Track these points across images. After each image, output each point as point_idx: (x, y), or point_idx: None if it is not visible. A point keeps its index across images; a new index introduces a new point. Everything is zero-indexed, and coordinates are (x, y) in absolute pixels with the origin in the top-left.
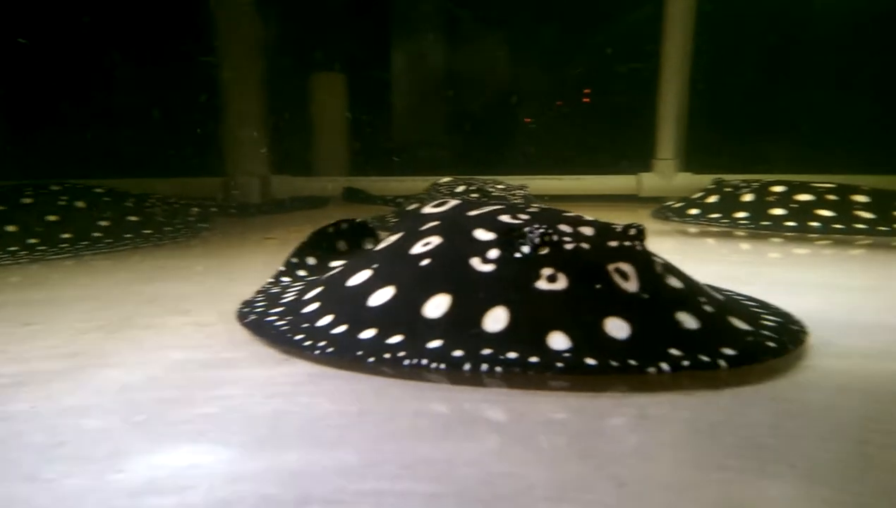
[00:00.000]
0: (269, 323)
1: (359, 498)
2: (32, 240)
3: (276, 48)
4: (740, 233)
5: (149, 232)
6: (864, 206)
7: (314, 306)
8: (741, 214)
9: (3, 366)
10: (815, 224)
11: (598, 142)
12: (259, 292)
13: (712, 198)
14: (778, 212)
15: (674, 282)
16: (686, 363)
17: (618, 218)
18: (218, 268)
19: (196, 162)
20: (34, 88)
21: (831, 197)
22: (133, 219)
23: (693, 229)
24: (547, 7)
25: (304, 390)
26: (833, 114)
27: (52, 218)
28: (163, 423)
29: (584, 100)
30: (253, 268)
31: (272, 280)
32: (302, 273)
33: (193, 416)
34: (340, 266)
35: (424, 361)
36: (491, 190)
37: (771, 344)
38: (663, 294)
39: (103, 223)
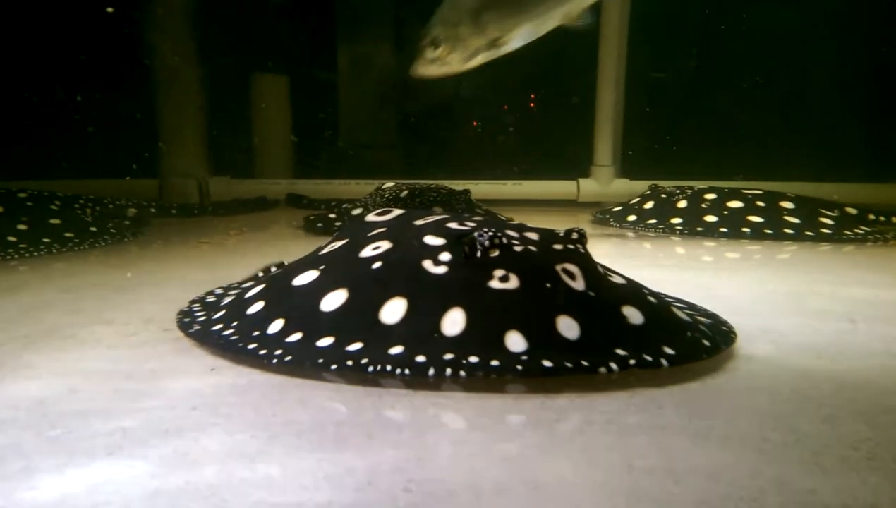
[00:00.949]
0: (217, 331)
1: None
2: None
3: (217, 47)
4: (675, 237)
5: (70, 235)
6: (791, 212)
7: (259, 306)
8: (676, 220)
9: None
10: (746, 229)
11: (542, 148)
12: (194, 301)
13: (649, 204)
14: (711, 218)
15: (617, 280)
16: (632, 362)
17: (560, 223)
18: (148, 274)
19: (132, 163)
20: None
21: (760, 203)
22: (55, 222)
23: (631, 234)
24: None
25: (228, 401)
26: (767, 120)
27: None
28: (79, 438)
29: (530, 105)
30: (184, 275)
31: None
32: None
33: (111, 430)
34: (279, 271)
35: (388, 367)
36: (434, 195)
37: (706, 342)
38: (609, 291)
39: (21, 227)
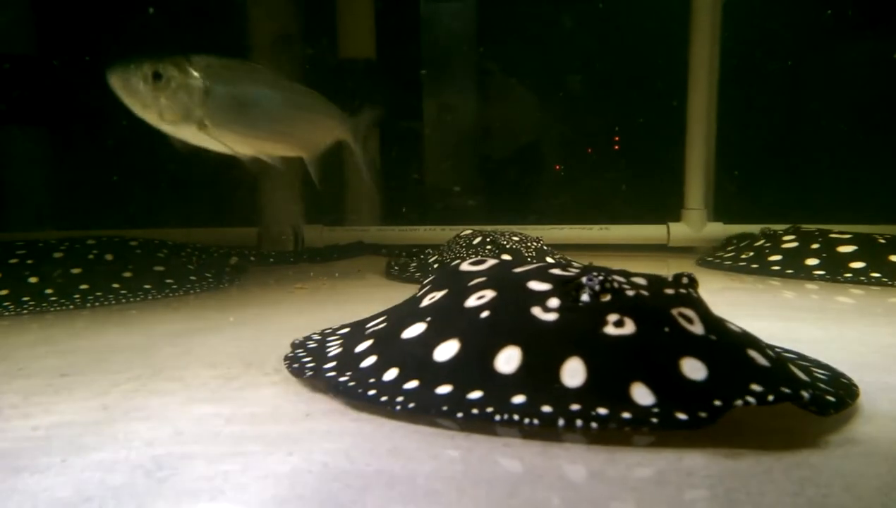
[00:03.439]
0: (332, 378)
1: None
2: (48, 291)
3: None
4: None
5: (170, 281)
6: None
7: (372, 359)
8: (813, 261)
9: (37, 418)
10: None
11: (628, 192)
12: (296, 346)
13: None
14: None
15: (734, 327)
16: (771, 397)
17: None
18: (249, 319)
19: (230, 212)
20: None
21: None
22: (159, 269)
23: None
24: (572, 57)
25: (323, 447)
26: (859, 161)
27: (76, 270)
28: (184, 480)
29: (615, 147)
30: (282, 319)
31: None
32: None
33: (214, 473)
34: (382, 323)
35: (515, 417)
36: (505, 243)
37: (830, 398)
38: (730, 336)
39: (126, 274)
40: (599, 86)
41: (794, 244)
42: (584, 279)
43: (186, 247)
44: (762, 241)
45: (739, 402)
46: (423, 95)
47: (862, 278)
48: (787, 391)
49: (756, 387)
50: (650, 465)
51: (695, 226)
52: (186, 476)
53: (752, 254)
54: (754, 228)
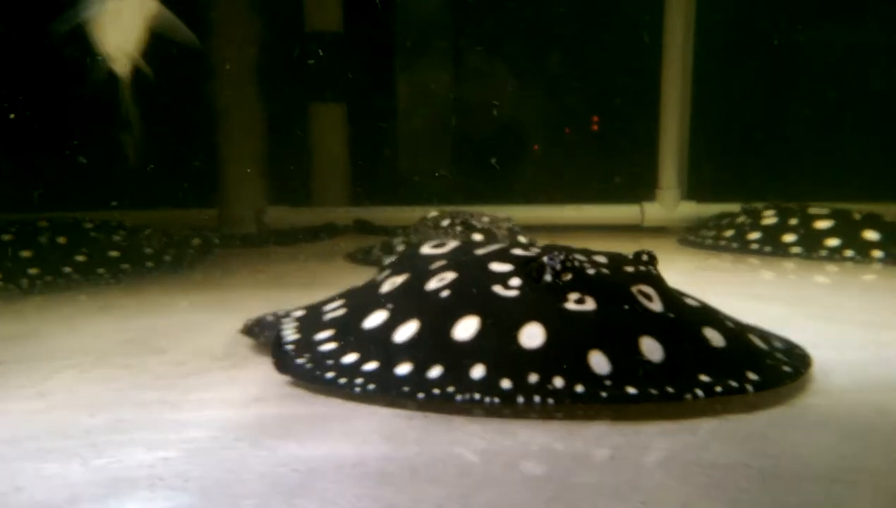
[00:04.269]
0: (291, 362)
1: None
2: None
3: (276, 78)
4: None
5: (126, 267)
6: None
7: (332, 345)
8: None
9: None
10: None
11: (603, 172)
12: (251, 327)
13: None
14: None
15: (692, 302)
16: (718, 389)
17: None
18: (205, 304)
19: (191, 193)
20: (28, 114)
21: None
22: (114, 254)
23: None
24: (550, 36)
25: (272, 432)
26: (834, 141)
27: (25, 253)
28: (122, 468)
29: (593, 128)
30: (239, 304)
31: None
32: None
33: (154, 461)
34: (339, 308)
35: (476, 396)
36: (476, 223)
37: (787, 368)
38: (687, 313)
39: (80, 258)
40: (576, 66)
41: (774, 220)
42: (545, 258)
43: (146, 228)
44: (743, 218)
45: (689, 396)
46: (396, 71)
47: (837, 255)
48: (734, 384)
49: (705, 378)
50: (607, 440)
51: (668, 205)
52: (125, 463)
53: (732, 232)
54: (728, 207)
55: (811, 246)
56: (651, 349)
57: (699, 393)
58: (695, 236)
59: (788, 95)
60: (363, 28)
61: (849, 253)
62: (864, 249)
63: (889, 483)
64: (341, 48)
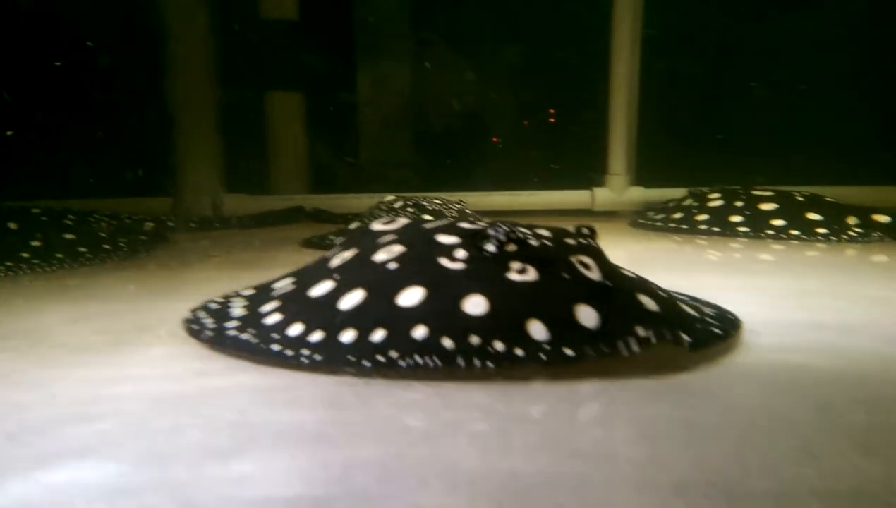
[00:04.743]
0: (233, 336)
1: (244, 505)
2: None
3: (233, 66)
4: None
5: (83, 250)
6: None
7: (277, 317)
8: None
9: None
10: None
11: (560, 160)
12: (197, 309)
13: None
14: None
15: (629, 274)
16: (653, 340)
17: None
18: (150, 287)
19: (145, 181)
20: None
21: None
22: (69, 237)
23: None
24: (507, 26)
25: (212, 403)
26: (785, 125)
27: None
28: (53, 441)
29: (550, 120)
30: (188, 288)
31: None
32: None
33: (87, 433)
34: (288, 285)
35: (418, 359)
36: (426, 204)
37: (717, 331)
38: (623, 281)
39: (34, 243)
40: (531, 56)
41: (720, 202)
42: (490, 230)
43: (94, 213)
44: (689, 201)
45: (623, 349)
46: (354, 60)
47: (783, 235)
48: (668, 334)
49: (641, 331)
50: (543, 398)
51: (617, 190)
52: (55, 437)
53: (681, 214)
54: (674, 193)
55: (758, 226)
56: (588, 315)
57: (633, 344)
58: (645, 219)
59: (733, 86)
60: (319, 16)
61: (794, 232)
62: (808, 228)
63: (806, 430)
64: (297, 36)
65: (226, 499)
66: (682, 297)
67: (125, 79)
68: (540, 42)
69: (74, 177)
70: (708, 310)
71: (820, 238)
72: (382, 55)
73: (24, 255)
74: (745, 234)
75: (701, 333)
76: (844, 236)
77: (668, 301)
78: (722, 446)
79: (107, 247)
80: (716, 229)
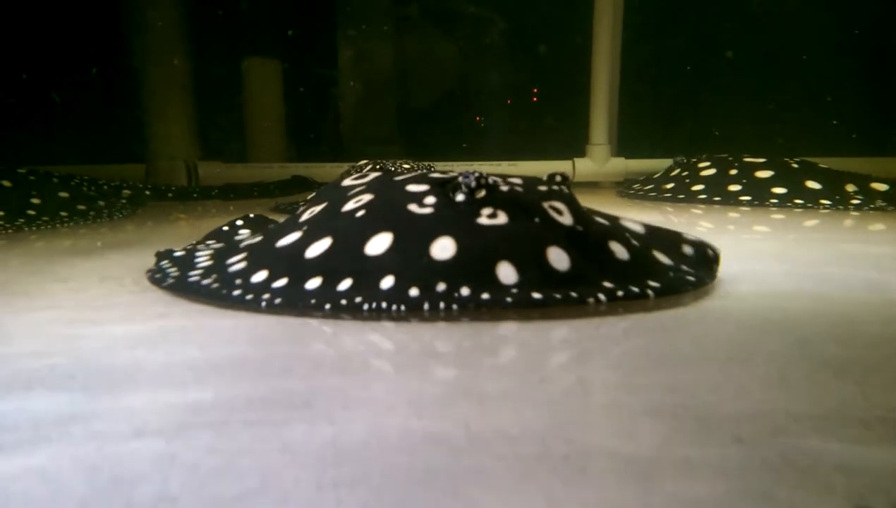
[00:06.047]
0: (195, 283)
1: (200, 428)
2: None
3: (206, 30)
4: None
5: (83, 208)
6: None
7: (241, 265)
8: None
9: None
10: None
11: (543, 133)
12: (161, 258)
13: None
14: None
15: (601, 219)
16: (620, 293)
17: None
18: (116, 244)
19: (119, 148)
20: None
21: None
22: (64, 195)
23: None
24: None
25: (173, 340)
26: (767, 95)
27: None
28: (2, 376)
29: (533, 99)
30: (153, 246)
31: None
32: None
33: (39, 366)
34: (255, 238)
35: (383, 305)
36: (393, 169)
37: (690, 278)
38: (595, 227)
39: (35, 201)
40: (515, 28)
41: (712, 171)
42: (460, 177)
43: (74, 177)
44: (678, 171)
45: (591, 300)
46: (334, 26)
47: (788, 204)
48: (634, 289)
49: (608, 284)
50: (514, 338)
51: (598, 160)
52: (5, 373)
53: (673, 184)
54: (655, 163)
55: (760, 194)
56: (558, 258)
57: (602, 297)
58: (633, 190)
59: (714, 59)
60: None
61: (798, 201)
62: (811, 197)
63: (781, 360)
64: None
65: (181, 424)
66: (658, 237)
67: (91, 41)
68: (522, 13)
69: (40, 144)
70: (687, 249)
71: (825, 207)
72: (362, 20)
73: (31, 212)
74: (748, 203)
75: (674, 280)
76: (850, 205)
77: (640, 249)
78: (696, 374)
79: (102, 203)
80: (717, 198)
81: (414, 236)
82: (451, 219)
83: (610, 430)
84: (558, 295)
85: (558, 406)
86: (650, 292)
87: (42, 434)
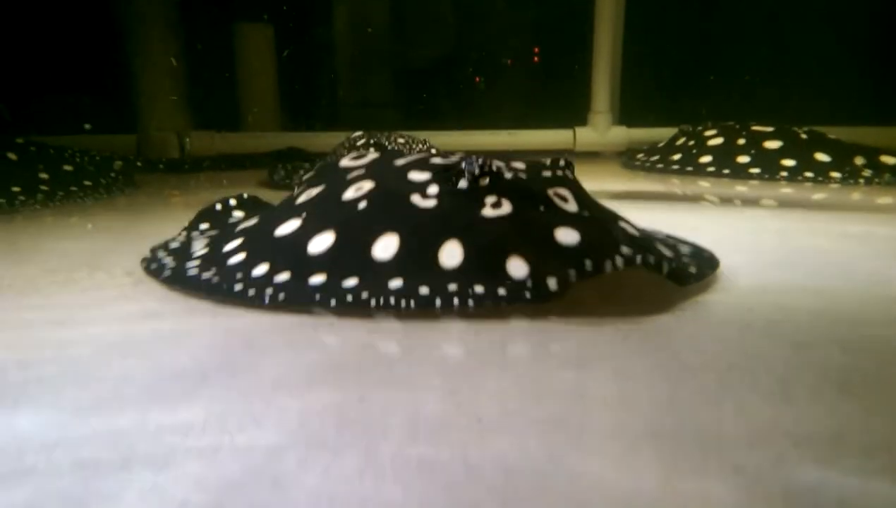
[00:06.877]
0: (194, 277)
1: (189, 455)
2: None
3: None
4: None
5: (89, 183)
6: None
7: (241, 257)
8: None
9: None
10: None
11: (543, 99)
12: (156, 248)
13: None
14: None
15: (606, 208)
16: (639, 258)
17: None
18: (108, 226)
19: (107, 118)
20: None
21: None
22: (68, 169)
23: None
24: None
25: (164, 346)
26: (769, 63)
27: None
28: None
29: (535, 59)
30: (145, 227)
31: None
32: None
33: (26, 379)
34: (251, 221)
35: (391, 301)
36: (387, 144)
37: (692, 269)
38: (601, 212)
39: (43, 175)
40: None
41: (719, 140)
42: (463, 164)
43: (67, 149)
44: (683, 140)
45: (609, 264)
46: None
47: (798, 177)
48: (651, 258)
49: (625, 250)
50: (520, 338)
51: (600, 130)
52: None
53: (679, 155)
54: (657, 132)
55: (769, 167)
56: (567, 235)
57: (619, 262)
58: (638, 160)
59: (717, 28)
60: None
61: (808, 174)
62: (821, 170)
63: (780, 371)
64: None
65: (171, 449)
66: (659, 236)
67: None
68: None
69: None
70: (684, 249)
71: (835, 181)
72: None
73: (44, 188)
74: (757, 176)
75: (678, 272)
76: (860, 179)
77: (644, 237)
78: (695, 387)
79: (103, 180)
80: (725, 171)
81: (420, 238)
82: (455, 213)
83: (610, 458)
84: (572, 271)
85: (561, 427)
86: (665, 266)
87: (28, 465)
